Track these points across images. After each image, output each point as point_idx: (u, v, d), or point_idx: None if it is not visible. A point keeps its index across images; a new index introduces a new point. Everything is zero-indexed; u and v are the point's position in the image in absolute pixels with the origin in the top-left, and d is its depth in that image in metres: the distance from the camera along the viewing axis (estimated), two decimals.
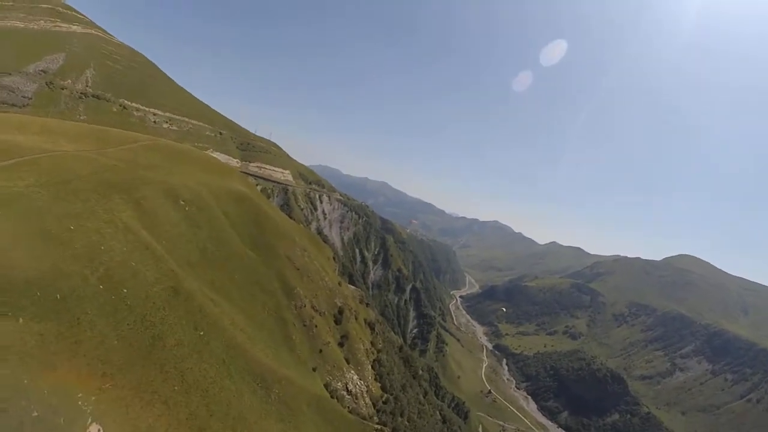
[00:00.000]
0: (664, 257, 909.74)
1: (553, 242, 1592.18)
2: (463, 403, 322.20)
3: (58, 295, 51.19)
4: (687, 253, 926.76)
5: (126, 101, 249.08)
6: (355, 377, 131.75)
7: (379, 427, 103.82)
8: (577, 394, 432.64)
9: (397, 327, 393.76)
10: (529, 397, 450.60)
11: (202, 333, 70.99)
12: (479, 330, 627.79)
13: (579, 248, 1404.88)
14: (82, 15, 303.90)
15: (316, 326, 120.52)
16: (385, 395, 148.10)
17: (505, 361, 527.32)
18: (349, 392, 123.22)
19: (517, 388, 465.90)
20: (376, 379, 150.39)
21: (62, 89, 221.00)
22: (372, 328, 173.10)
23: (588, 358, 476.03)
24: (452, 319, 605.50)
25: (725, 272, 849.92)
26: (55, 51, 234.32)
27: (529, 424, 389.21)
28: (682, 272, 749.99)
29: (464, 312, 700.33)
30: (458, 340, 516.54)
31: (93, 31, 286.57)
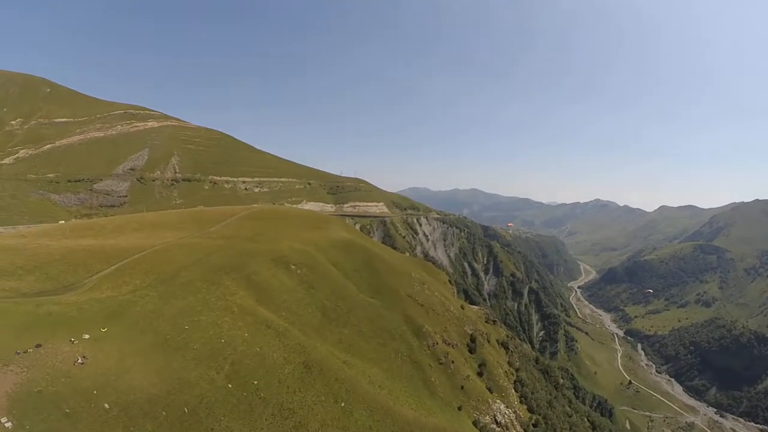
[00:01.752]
0: None
1: (663, 206, 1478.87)
2: (605, 400, 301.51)
3: (185, 409, 44.87)
4: None
5: (215, 177, 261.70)
6: (502, 406, 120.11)
7: None
8: (723, 366, 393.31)
9: (522, 333, 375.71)
10: (672, 379, 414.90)
11: (343, 404, 63.78)
12: (606, 318, 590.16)
13: (691, 206, 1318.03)
14: (155, 111, 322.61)
15: (452, 362, 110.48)
16: (534, 416, 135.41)
17: (639, 345, 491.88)
18: (498, 424, 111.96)
19: (658, 372, 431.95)
20: (521, 402, 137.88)
21: (153, 181, 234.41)
22: (506, 348, 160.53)
23: (728, 324, 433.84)
24: (576, 312, 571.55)
25: None
26: (138, 149, 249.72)
27: (677, 408, 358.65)
28: None
29: (586, 302, 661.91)
30: (586, 333, 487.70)
31: (168, 123, 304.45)
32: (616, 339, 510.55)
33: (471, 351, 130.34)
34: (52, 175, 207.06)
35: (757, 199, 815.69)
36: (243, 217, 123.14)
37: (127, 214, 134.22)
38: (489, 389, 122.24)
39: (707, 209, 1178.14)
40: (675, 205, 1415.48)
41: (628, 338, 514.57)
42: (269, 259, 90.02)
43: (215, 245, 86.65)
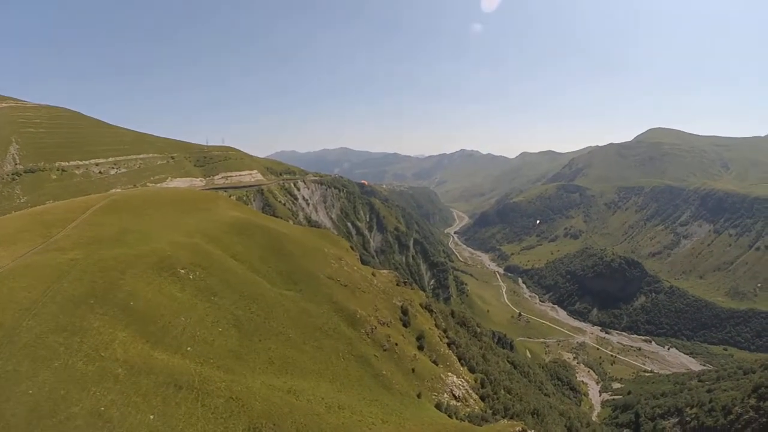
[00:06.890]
0: (635, 136, 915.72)
1: (524, 152, 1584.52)
2: (504, 335, 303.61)
3: None
4: (655, 126, 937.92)
5: (62, 163, 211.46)
6: (454, 378, 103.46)
7: (519, 428, 75.74)
8: (599, 289, 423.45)
9: (415, 285, 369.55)
10: (556, 306, 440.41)
11: None
12: (485, 258, 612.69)
13: (550, 151, 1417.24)
14: None
15: (396, 344, 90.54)
16: (477, 376, 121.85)
17: (520, 280, 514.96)
18: (457, 399, 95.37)
19: (542, 302, 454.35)
20: (461, 364, 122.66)
21: None
22: (430, 311, 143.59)
23: (598, 253, 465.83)
24: (457, 257, 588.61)
25: (696, 135, 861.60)
26: None
27: (567, 332, 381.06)
28: (656, 146, 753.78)
29: (464, 246, 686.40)
30: (471, 275, 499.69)
31: (2, 105, 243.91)
32: (498, 276, 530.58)
33: (405, 325, 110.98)
34: None
35: (611, 143, 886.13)
36: (100, 209, 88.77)
37: None
38: (434, 362, 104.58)
39: (565, 153, 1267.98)
40: (535, 152, 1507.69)
41: (509, 274, 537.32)
42: (148, 267, 61.32)
43: (67, 261, 55.79)
